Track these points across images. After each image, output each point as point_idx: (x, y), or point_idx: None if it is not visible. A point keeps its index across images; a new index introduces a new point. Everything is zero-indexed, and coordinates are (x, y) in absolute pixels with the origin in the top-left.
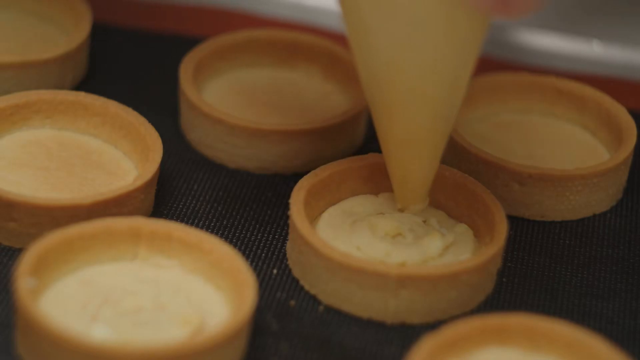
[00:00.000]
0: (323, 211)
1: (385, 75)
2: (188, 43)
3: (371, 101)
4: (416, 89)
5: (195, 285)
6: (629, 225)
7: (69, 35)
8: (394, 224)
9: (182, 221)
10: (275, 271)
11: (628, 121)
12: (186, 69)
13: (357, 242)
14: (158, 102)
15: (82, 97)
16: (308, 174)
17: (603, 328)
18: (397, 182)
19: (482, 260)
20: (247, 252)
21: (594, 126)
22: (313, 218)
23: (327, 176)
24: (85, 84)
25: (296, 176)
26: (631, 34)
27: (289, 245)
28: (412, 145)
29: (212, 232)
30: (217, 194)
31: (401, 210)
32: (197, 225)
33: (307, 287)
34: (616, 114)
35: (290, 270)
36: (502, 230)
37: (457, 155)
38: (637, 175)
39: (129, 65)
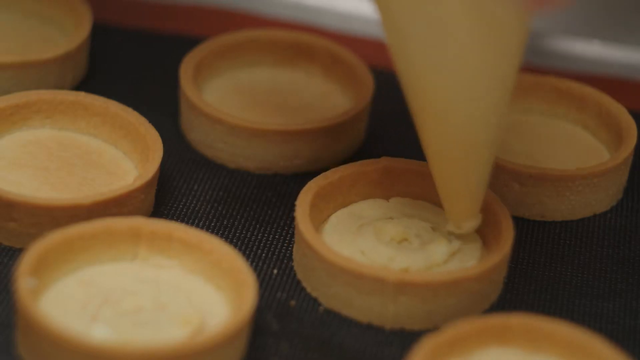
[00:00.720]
0: (332, 214)
1: (427, 83)
2: (188, 43)
3: (415, 111)
4: (461, 95)
5: (196, 286)
6: (629, 225)
7: (69, 35)
8: (400, 229)
9: (182, 221)
10: (275, 271)
11: (628, 121)
12: (186, 69)
13: (362, 246)
14: (158, 102)
15: (82, 97)
16: (318, 176)
17: (603, 328)
18: (446, 196)
19: (483, 269)
20: (247, 252)
21: (594, 126)
22: (321, 220)
23: (337, 179)
24: (85, 84)
25: (296, 176)
26: (631, 34)
27: (294, 247)
28: (460, 154)
29: (212, 232)
30: (217, 194)
31: (453, 233)
32: (197, 225)
33: (309, 289)
34: (616, 114)
35: (290, 271)
36: (507, 238)
37: None
38: (637, 175)
39: (129, 65)
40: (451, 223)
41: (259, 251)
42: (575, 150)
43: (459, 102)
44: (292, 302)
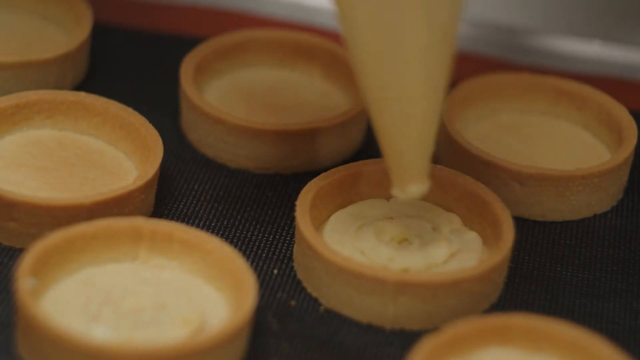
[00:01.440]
0: (332, 214)
1: (364, 27)
2: (188, 43)
3: (354, 61)
4: (407, 39)
5: (196, 285)
6: (629, 225)
7: (69, 35)
8: (400, 229)
9: (182, 221)
10: (275, 271)
11: (628, 121)
12: (187, 69)
13: (362, 246)
14: (158, 102)
15: (83, 97)
16: (318, 176)
17: (604, 328)
18: (388, 154)
19: (483, 269)
20: (247, 252)
21: (595, 126)
22: (322, 220)
23: (337, 179)
24: (85, 84)
25: (296, 176)
26: (631, 34)
27: (295, 247)
28: (405, 104)
29: (212, 232)
30: (218, 194)
31: (397, 195)
32: (197, 225)
33: (309, 289)
34: (617, 114)
35: (290, 271)
36: (508, 240)
37: (457, 155)
38: (638, 175)
39: (129, 65)
40: (395, 186)
41: (259, 251)
42: (575, 150)
43: (393, 45)
44: (292, 302)
